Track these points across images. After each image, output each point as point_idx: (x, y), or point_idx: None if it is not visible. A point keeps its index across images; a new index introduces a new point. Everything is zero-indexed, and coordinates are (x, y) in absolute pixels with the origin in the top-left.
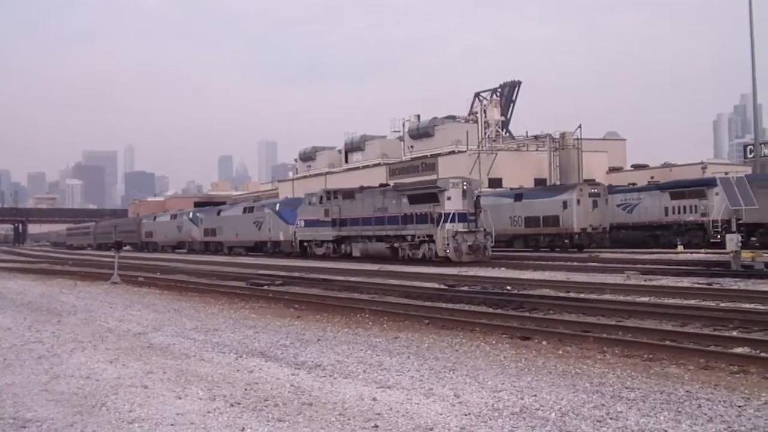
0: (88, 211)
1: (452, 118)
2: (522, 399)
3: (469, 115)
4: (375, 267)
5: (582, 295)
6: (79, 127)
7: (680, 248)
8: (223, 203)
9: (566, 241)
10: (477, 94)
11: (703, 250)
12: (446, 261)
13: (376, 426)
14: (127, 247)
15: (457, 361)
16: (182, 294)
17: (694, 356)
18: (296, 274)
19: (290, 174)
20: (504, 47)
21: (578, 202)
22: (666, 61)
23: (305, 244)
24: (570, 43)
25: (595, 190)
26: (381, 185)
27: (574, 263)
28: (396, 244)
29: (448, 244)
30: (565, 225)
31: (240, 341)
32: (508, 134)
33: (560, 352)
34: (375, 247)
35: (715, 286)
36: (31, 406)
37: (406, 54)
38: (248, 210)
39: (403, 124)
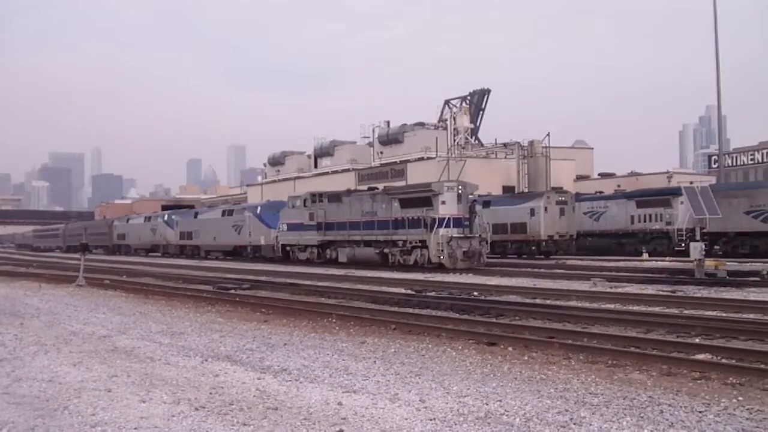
0: (54, 213)
1: (422, 124)
2: (487, 404)
3: (438, 122)
4: (342, 272)
5: (548, 302)
6: (45, 128)
7: (645, 256)
8: (192, 206)
9: (533, 248)
10: (447, 102)
11: (667, 258)
12: (439, 267)
13: (341, 430)
14: (98, 250)
15: (423, 366)
16: (148, 297)
17: (657, 362)
18: (263, 278)
19: (259, 178)
20: (473, 55)
21: (546, 209)
22: (633, 72)
23: (288, 248)
24: (539, 52)
25: (563, 198)
26: (369, 188)
27: (541, 270)
28: (386, 250)
29: (442, 250)
30: (533, 232)
31: (206, 345)
32: (477, 141)
33: (526, 357)
34: (363, 253)
35: (679, 294)
36: None
37: (374, 59)
38: (227, 213)
39: (373, 130)
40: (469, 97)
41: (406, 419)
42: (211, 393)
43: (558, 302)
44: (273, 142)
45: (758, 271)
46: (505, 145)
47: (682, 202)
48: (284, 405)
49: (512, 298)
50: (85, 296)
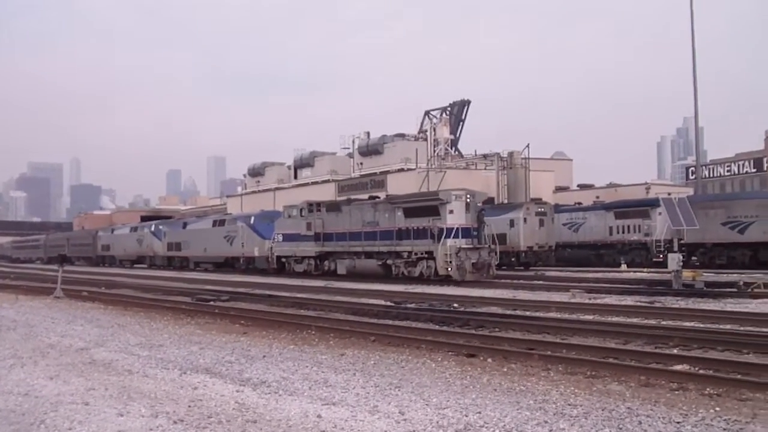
0: (32, 224)
1: (402, 135)
2: (466, 416)
3: (418, 133)
4: (321, 283)
5: (528, 313)
6: (23, 138)
7: (624, 267)
8: (170, 217)
9: (513, 259)
10: (427, 112)
11: (646, 269)
12: (447, 280)
13: None
14: (81, 261)
15: (402, 378)
16: (127, 309)
17: (636, 373)
18: (242, 290)
19: (239, 189)
20: (454, 67)
21: (525, 220)
22: (612, 84)
23: (284, 260)
24: (518, 65)
25: (542, 209)
26: (371, 197)
27: (521, 281)
28: (389, 261)
29: (450, 262)
30: (512, 243)
31: (184, 357)
32: (457, 152)
33: (505, 369)
34: (364, 265)
35: (657, 305)
36: None
37: (355, 71)
38: (219, 223)
39: (353, 141)
40: (449, 108)
41: (386, 431)
42: (189, 406)
43: (537, 313)
44: (253, 153)
45: (735, 282)
46: (484, 156)
47: (660, 214)
48: (263, 418)
49: (492, 309)
50: (62, 308)
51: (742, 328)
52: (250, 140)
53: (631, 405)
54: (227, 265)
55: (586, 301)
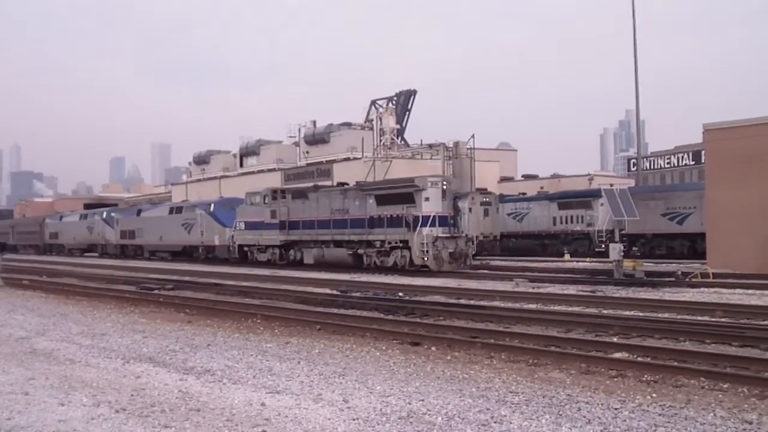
0: None
1: (348, 124)
2: (410, 403)
3: (365, 122)
4: (268, 272)
5: (472, 302)
6: None
7: (567, 257)
8: (115, 205)
9: None
10: (373, 102)
11: (588, 259)
12: (422, 270)
13: (264, 431)
14: (28, 250)
15: (347, 367)
16: (69, 298)
17: (576, 361)
18: (188, 279)
19: (184, 177)
20: (399, 58)
21: (470, 210)
22: (555, 76)
23: (246, 249)
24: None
25: (487, 199)
26: (339, 183)
27: (466, 270)
28: (360, 251)
29: (426, 251)
30: None
31: (128, 346)
32: (403, 142)
33: (449, 357)
34: (334, 254)
35: (599, 294)
36: None
37: (299, 60)
38: (176, 210)
39: (299, 130)
40: (395, 98)
41: (329, 419)
42: (132, 395)
43: (481, 302)
44: (199, 141)
45: (674, 272)
46: (430, 146)
47: (602, 204)
48: (207, 406)
49: (437, 298)
50: (2, 297)
51: (679, 317)
52: (197, 129)
53: (571, 392)
54: (185, 254)
55: (530, 290)
